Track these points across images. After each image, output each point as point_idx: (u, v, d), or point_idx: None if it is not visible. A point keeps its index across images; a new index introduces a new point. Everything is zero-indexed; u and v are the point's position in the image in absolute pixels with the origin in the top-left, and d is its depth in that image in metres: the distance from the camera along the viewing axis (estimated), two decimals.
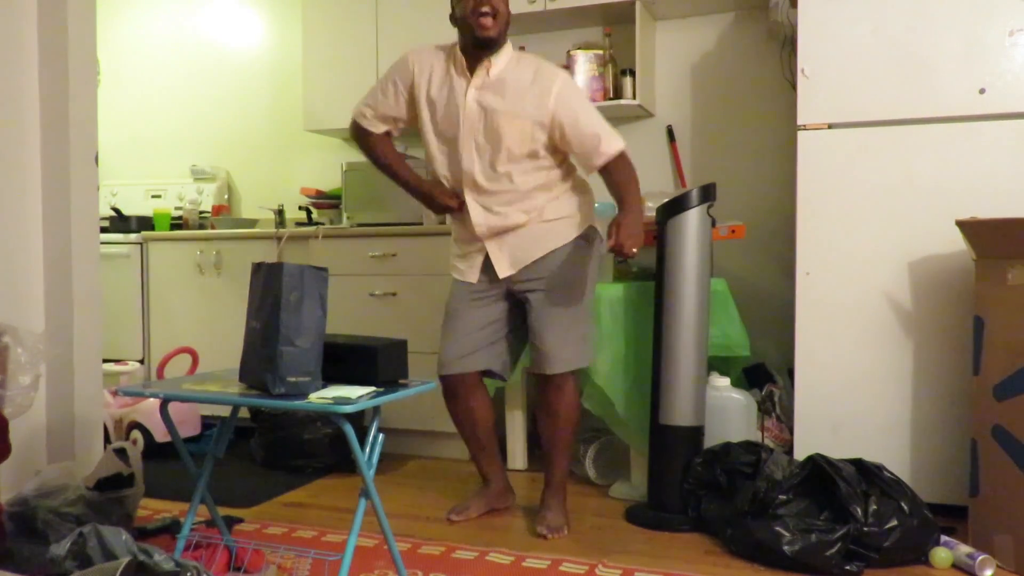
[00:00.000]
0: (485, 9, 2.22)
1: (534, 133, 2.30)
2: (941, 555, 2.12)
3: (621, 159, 2.33)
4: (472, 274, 2.46)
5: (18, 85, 2.39)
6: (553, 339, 2.38)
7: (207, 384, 1.87)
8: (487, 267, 2.45)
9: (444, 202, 2.42)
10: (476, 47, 2.30)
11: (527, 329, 2.46)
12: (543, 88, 2.29)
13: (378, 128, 2.48)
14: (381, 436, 1.77)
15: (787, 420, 2.83)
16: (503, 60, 2.33)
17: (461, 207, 2.40)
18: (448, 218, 2.58)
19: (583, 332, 2.44)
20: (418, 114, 2.42)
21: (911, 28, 2.45)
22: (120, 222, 3.99)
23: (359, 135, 2.52)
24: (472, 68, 2.32)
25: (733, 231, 2.79)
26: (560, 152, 2.38)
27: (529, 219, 2.38)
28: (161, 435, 3.22)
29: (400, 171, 2.52)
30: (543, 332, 2.39)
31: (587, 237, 2.45)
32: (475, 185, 2.37)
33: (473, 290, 2.47)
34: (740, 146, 3.41)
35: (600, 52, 3.36)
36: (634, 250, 2.16)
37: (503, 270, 2.42)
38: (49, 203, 2.44)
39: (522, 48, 3.31)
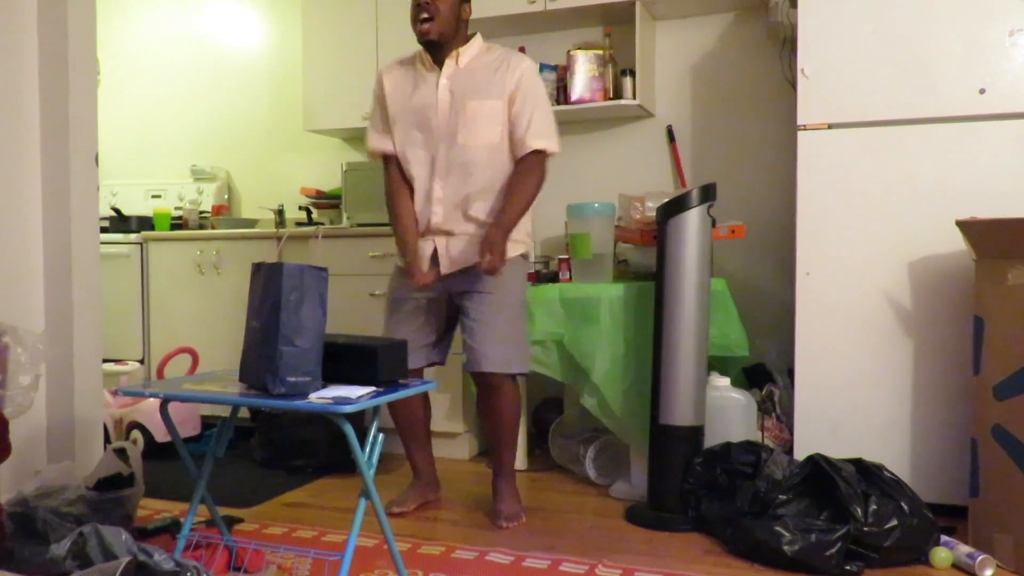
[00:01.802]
0: (423, 15, 2.39)
1: (500, 113, 2.41)
2: (941, 555, 2.12)
3: (534, 157, 2.42)
4: (423, 264, 2.49)
5: (18, 85, 2.39)
6: (489, 341, 2.44)
7: (207, 384, 1.87)
8: (434, 261, 2.50)
9: (418, 277, 2.43)
10: (428, 50, 2.46)
11: (458, 324, 2.55)
12: (509, 69, 2.43)
13: (390, 145, 2.55)
14: (381, 436, 1.77)
15: (787, 420, 2.83)
16: (473, 50, 2.48)
17: (426, 287, 2.45)
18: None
19: (517, 338, 2.50)
20: (388, 111, 2.52)
21: (911, 28, 2.45)
22: (120, 222, 3.99)
23: (386, 172, 2.58)
24: (440, 62, 2.45)
25: (733, 231, 2.79)
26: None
27: (482, 226, 2.44)
28: (161, 435, 3.22)
29: (406, 228, 2.52)
30: (479, 334, 2.44)
31: (525, 255, 2.59)
32: (445, 171, 2.44)
33: (411, 288, 2.49)
34: (740, 146, 3.41)
35: (600, 52, 3.36)
36: (497, 266, 2.29)
37: (445, 266, 2.47)
38: (49, 203, 2.44)
39: (522, 49, 3.31)
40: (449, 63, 2.45)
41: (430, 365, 2.62)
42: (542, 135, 2.42)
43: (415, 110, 2.47)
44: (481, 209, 2.46)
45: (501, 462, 2.59)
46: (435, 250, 2.50)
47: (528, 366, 2.58)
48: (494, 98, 2.41)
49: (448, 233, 2.48)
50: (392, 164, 2.55)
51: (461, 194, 2.45)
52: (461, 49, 2.45)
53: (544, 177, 2.46)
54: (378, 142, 2.56)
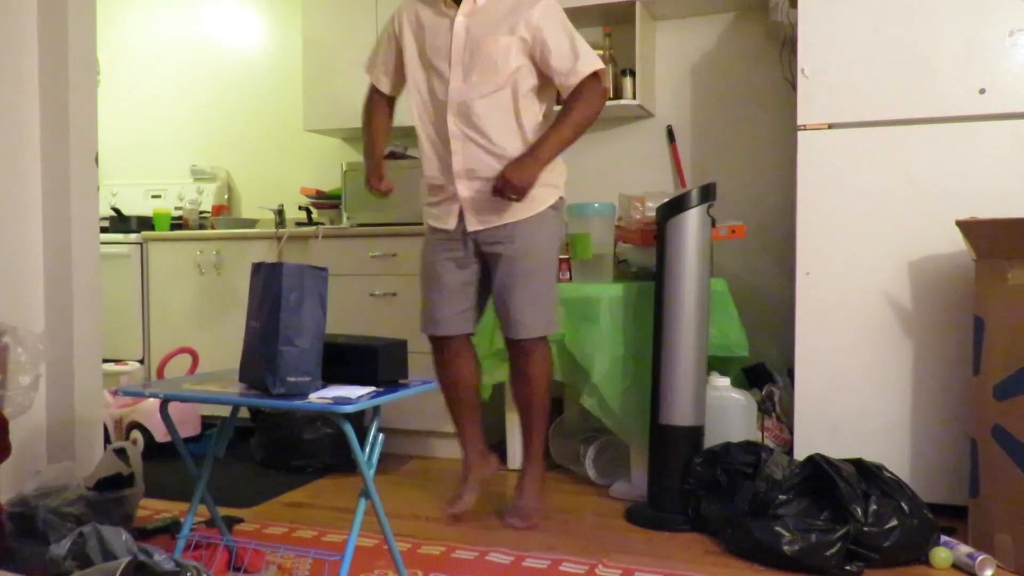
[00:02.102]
0: None
1: (518, 50, 2.33)
2: (941, 555, 2.12)
3: (592, 81, 2.35)
4: (450, 220, 2.44)
5: (18, 85, 2.39)
6: (521, 306, 2.39)
7: (207, 384, 1.87)
8: (462, 216, 2.43)
9: (373, 183, 2.52)
10: None
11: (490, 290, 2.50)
12: (526, 6, 2.35)
13: (384, 84, 2.56)
14: (381, 436, 1.77)
15: (787, 420, 2.83)
16: None
17: (386, 193, 2.52)
18: (423, 163, 2.53)
19: (550, 299, 2.46)
20: (404, 51, 2.48)
21: (911, 28, 2.45)
22: (120, 222, 3.99)
23: (369, 96, 2.62)
24: (458, 1, 2.38)
25: (733, 231, 2.79)
26: (543, 93, 2.43)
27: (500, 163, 2.35)
28: (161, 435, 3.22)
29: (375, 140, 2.60)
30: (512, 299, 2.40)
31: (556, 206, 2.47)
32: (459, 111, 2.37)
33: (450, 240, 2.46)
34: (740, 146, 3.41)
35: (600, 52, 3.34)
36: (512, 196, 2.26)
37: (472, 223, 2.41)
38: (49, 203, 2.44)
39: None
40: (466, 3, 2.36)
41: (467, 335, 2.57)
42: (590, 58, 2.34)
43: (431, 48, 2.40)
44: (504, 141, 2.36)
45: (531, 441, 2.54)
46: (460, 209, 2.42)
47: (556, 324, 2.53)
48: (509, 35, 2.32)
49: (472, 175, 2.38)
50: (377, 92, 2.59)
51: (478, 132, 2.36)
52: None
53: (603, 103, 2.38)
54: (374, 73, 2.58)
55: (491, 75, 2.34)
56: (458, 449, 3.28)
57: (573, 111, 2.34)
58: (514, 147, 2.36)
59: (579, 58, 2.33)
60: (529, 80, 2.38)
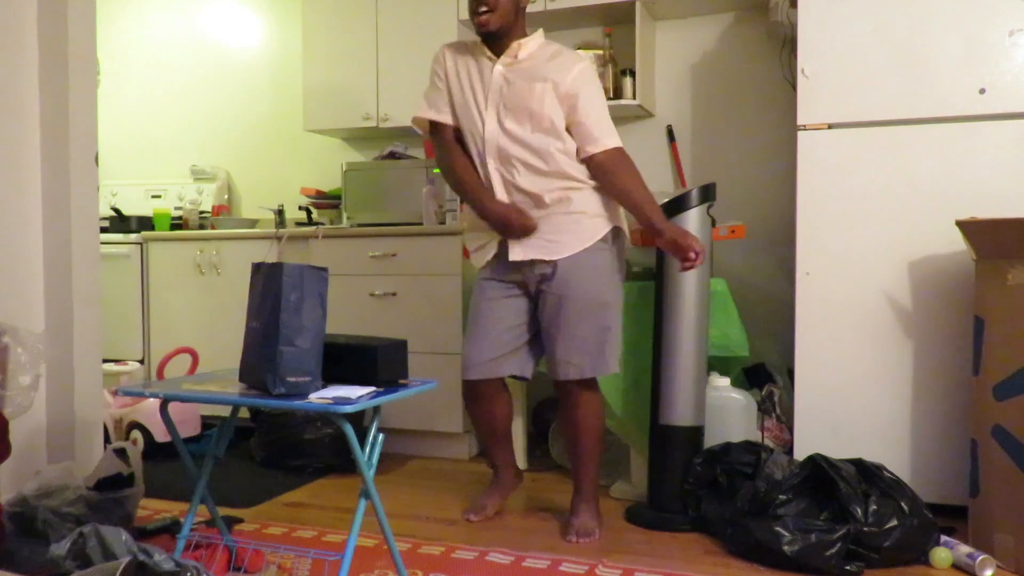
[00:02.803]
0: (482, 8, 2.30)
1: (554, 99, 2.31)
2: (941, 555, 2.12)
3: (618, 154, 2.33)
4: (489, 255, 2.41)
5: (18, 85, 2.39)
6: (564, 346, 2.35)
7: (207, 384, 1.87)
8: (503, 251, 2.38)
9: (523, 222, 2.33)
10: (486, 41, 2.37)
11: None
12: (566, 62, 2.35)
13: (447, 117, 2.44)
14: (381, 436, 1.77)
15: (787, 420, 2.83)
16: (532, 45, 2.38)
17: (529, 227, 2.34)
18: (465, 207, 2.50)
19: (601, 340, 2.36)
20: (450, 93, 2.44)
21: (911, 28, 2.45)
22: (120, 222, 3.99)
23: (436, 140, 2.49)
24: (499, 53, 2.37)
25: (733, 231, 2.80)
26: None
27: (551, 206, 2.32)
28: (161, 435, 3.22)
29: (471, 176, 2.41)
30: (555, 336, 2.36)
31: (607, 239, 2.38)
32: (498, 151, 2.34)
33: (495, 279, 2.42)
34: (740, 146, 3.41)
35: (600, 52, 3.36)
36: (697, 253, 2.24)
37: (516, 254, 2.35)
38: (49, 203, 2.44)
39: None
40: (508, 53, 2.36)
41: (518, 379, 2.51)
42: (612, 135, 2.34)
43: (469, 92, 2.38)
44: (545, 187, 2.32)
45: (580, 479, 2.46)
46: (500, 244, 2.39)
47: (614, 365, 2.40)
48: (545, 82, 2.30)
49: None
50: (441, 131, 2.45)
51: (514, 173, 2.33)
52: (522, 41, 2.37)
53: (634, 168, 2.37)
54: (424, 110, 2.46)
55: (526, 120, 2.31)
56: (458, 449, 3.30)
57: (628, 174, 2.33)
58: (548, 185, 2.32)
59: (604, 132, 2.33)
60: (562, 128, 2.34)
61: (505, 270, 2.41)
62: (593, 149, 2.32)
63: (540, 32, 2.43)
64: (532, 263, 2.35)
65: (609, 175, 2.32)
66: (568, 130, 2.34)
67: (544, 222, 2.33)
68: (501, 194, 2.36)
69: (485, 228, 2.41)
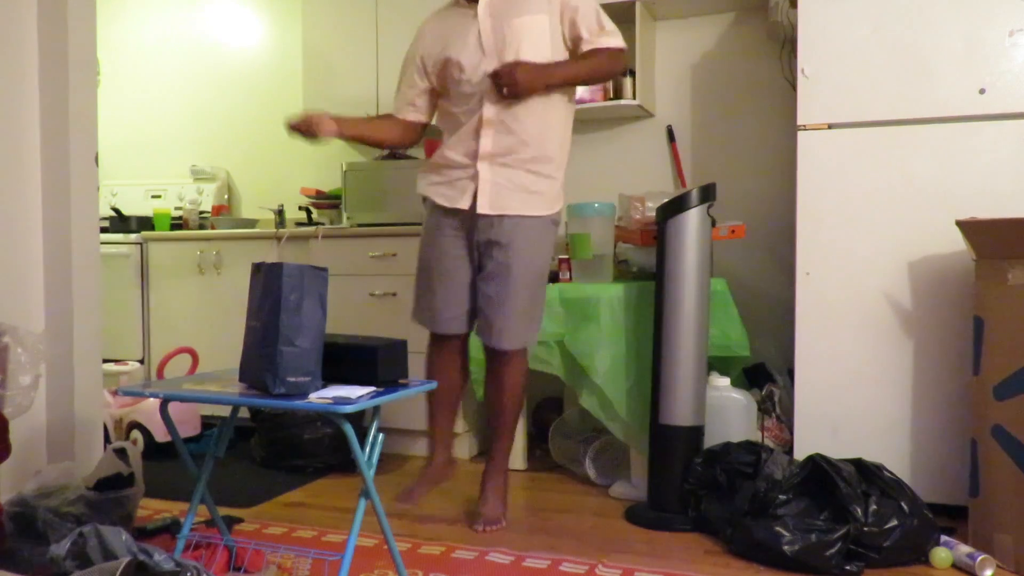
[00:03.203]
0: None
1: (546, 29, 2.33)
2: (941, 555, 2.12)
3: (616, 51, 2.38)
4: (463, 199, 2.40)
5: (18, 85, 2.39)
6: (511, 316, 2.39)
7: (207, 384, 1.87)
8: (475, 198, 2.39)
9: (315, 118, 2.43)
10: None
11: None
12: None
13: (409, 114, 2.54)
14: (381, 436, 1.77)
15: (787, 420, 2.83)
16: None
17: (325, 132, 2.44)
18: (446, 143, 2.49)
19: (536, 313, 2.47)
20: (427, 59, 2.47)
21: (911, 28, 2.45)
22: (120, 222, 3.99)
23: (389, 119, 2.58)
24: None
25: (733, 231, 2.80)
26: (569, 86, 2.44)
27: (526, 152, 2.36)
28: (161, 435, 3.22)
29: (370, 118, 2.60)
30: (500, 307, 2.39)
31: (556, 221, 2.48)
32: (496, 98, 2.34)
33: (455, 228, 2.44)
34: (740, 146, 3.42)
35: None
36: (504, 90, 2.27)
37: (483, 206, 2.37)
38: (49, 203, 2.44)
39: None
40: None
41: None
42: (617, 35, 2.38)
43: (458, 42, 2.39)
44: (535, 128, 2.36)
45: (495, 448, 2.54)
46: (475, 190, 2.39)
47: (536, 338, 2.53)
48: (537, 13, 2.34)
49: (495, 160, 2.37)
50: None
51: (512, 118, 2.35)
52: None
53: (620, 72, 2.40)
54: (403, 111, 2.55)
55: (524, 55, 2.32)
56: (458, 449, 3.30)
57: (595, 58, 2.36)
58: (544, 134, 2.38)
59: (606, 32, 2.37)
60: (558, 54, 2.37)
61: (468, 219, 2.42)
62: (598, 44, 2.36)
63: None
64: (487, 223, 2.38)
65: (593, 51, 2.37)
66: (571, 32, 2.38)
67: (511, 172, 2.37)
68: (489, 133, 2.36)
69: (463, 164, 2.41)
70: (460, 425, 3.24)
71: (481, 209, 2.37)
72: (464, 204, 2.40)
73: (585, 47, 2.37)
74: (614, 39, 2.39)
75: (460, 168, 2.41)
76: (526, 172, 2.38)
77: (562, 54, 2.39)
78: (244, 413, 3.21)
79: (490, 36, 2.36)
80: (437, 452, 2.63)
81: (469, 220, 2.41)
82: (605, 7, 3.28)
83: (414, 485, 2.59)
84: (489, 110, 2.36)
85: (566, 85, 2.40)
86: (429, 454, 2.65)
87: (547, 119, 2.39)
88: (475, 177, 2.38)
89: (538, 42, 2.34)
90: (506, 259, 2.37)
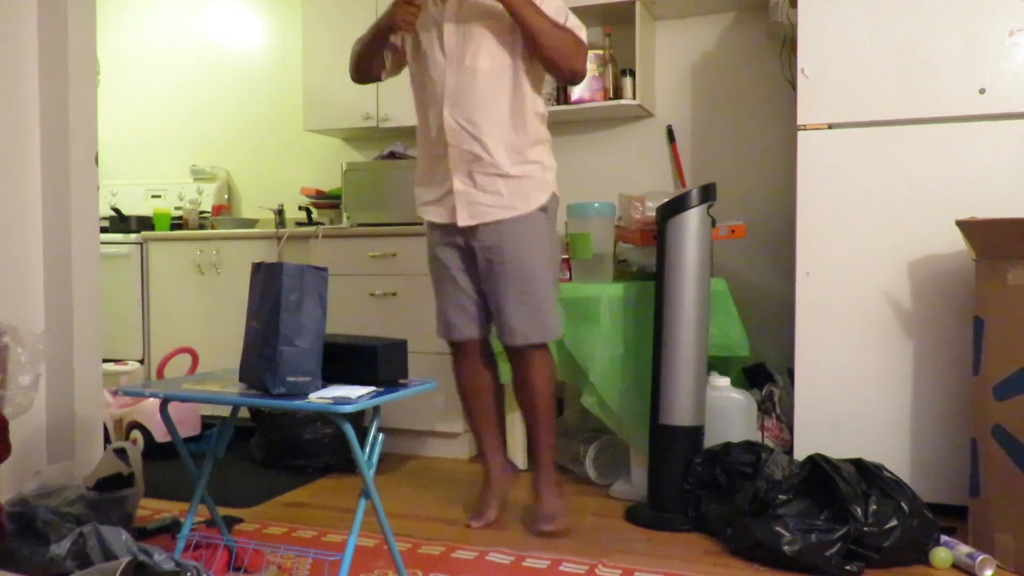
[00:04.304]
0: None
1: (509, 30, 2.30)
2: (941, 555, 2.12)
3: (576, 35, 2.34)
4: (450, 215, 2.40)
5: (18, 85, 2.39)
6: (515, 313, 2.38)
7: (207, 384, 1.87)
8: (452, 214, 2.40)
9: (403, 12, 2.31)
10: None
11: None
12: None
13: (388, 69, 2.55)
14: (381, 436, 1.77)
15: (787, 420, 2.83)
16: None
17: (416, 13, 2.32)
18: (419, 159, 2.51)
19: (547, 305, 2.41)
20: (404, 48, 2.47)
21: (911, 28, 2.45)
22: (120, 222, 3.99)
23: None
24: None
25: (733, 231, 2.79)
26: (539, 84, 2.41)
27: (496, 160, 2.33)
28: (161, 435, 3.22)
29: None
30: (505, 305, 2.38)
31: (547, 208, 2.42)
32: (455, 101, 2.32)
33: (454, 237, 2.43)
34: (740, 146, 3.41)
35: (600, 52, 3.36)
36: None
37: (463, 219, 2.37)
38: (49, 203, 2.44)
39: None
40: None
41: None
42: (579, 29, 2.35)
43: (424, 42, 2.37)
44: (499, 132, 2.33)
45: (537, 447, 2.50)
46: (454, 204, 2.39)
47: (559, 330, 2.49)
48: (500, 15, 2.28)
49: (462, 171, 2.36)
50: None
51: (475, 122, 2.32)
52: None
53: (581, 61, 2.34)
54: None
55: (485, 57, 2.31)
56: (458, 449, 3.30)
57: (562, 28, 2.30)
58: (509, 139, 2.34)
59: (569, 19, 2.34)
60: (524, 64, 2.34)
61: (459, 233, 2.41)
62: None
63: None
64: (474, 230, 2.37)
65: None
66: None
67: (489, 180, 2.34)
68: (453, 141, 2.34)
69: (440, 179, 2.40)
70: (461, 425, 3.24)
71: (462, 222, 2.38)
72: (451, 219, 2.41)
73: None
74: (579, 32, 2.36)
75: (439, 185, 2.43)
76: (496, 176, 2.35)
77: (527, 61, 2.34)
78: (244, 413, 3.21)
79: (452, 38, 2.33)
80: (490, 461, 2.60)
81: (460, 232, 2.41)
82: (605, 7, 3.33)
83: (481, 504, 2.56)
84: (448, 116, 2.33)
85: (521, 22, 2.26)
86: (483, 466, 2.62)
87: (508, 112, 2.33)
88: (451, 191, 2.39)
89: (499, 49, 2.31)
90: (499, 262, 2.37)
